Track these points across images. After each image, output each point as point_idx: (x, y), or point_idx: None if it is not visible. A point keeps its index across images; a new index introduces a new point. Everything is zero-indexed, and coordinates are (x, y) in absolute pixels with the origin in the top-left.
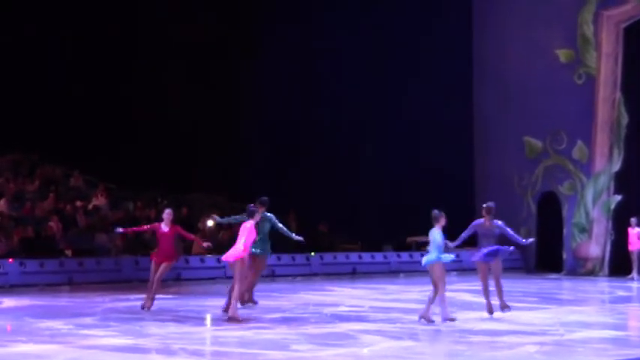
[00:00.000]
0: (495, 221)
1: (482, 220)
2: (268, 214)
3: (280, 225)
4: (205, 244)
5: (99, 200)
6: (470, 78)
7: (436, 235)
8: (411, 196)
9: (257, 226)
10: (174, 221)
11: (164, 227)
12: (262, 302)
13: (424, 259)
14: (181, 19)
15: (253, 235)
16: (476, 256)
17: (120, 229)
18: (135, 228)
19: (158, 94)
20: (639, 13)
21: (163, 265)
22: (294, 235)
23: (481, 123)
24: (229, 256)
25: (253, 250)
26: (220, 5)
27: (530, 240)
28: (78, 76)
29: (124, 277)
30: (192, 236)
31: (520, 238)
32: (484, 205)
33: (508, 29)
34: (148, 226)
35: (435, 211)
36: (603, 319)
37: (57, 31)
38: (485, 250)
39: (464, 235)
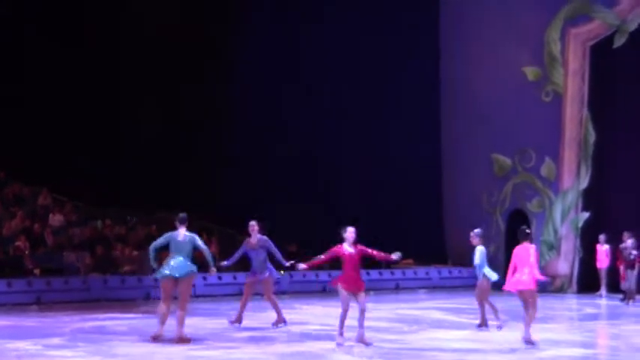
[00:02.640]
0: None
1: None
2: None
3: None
4: (395, 256)
5: (56, 218)
6: (438, 96)
7: None
8: (380, 215)
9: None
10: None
11: (347, 248)
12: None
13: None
14: (153, 34)
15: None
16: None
17: (302, 265)
18: (315, 261)
19: (126, 110)
20: (605, 31)
21: (361, 297)
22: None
23: (449, 141)
24: None
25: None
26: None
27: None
28: (45, 92)
29: (93, 297)
30: (377, 253)
31: None
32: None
33: (475, 47)
34: (328, 255)
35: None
36: (572, 336)
37: (24, 47)
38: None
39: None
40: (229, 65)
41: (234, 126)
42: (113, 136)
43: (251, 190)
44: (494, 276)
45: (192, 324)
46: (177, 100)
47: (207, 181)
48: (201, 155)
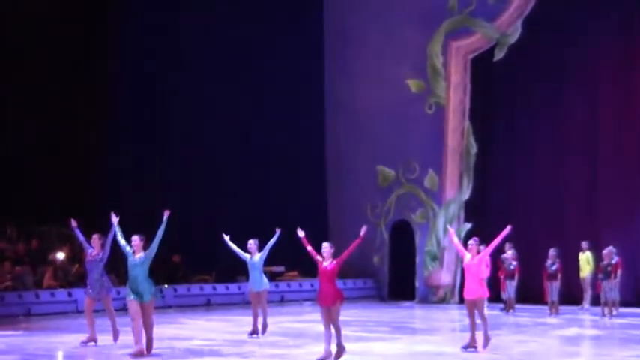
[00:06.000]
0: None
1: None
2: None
3: None
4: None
5: None
6: (322, 108)
7: None
8: (265, 226)
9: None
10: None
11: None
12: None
13: None
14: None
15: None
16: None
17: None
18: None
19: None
20: (485, 44)
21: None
22: None
23: (334, 152)
24: None
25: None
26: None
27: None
28: None
29: None
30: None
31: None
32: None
33: (360, 60)
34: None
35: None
36: (453, 349)
37: None
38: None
39: None
40: (109, 86)
41: (114, 135)
42: None
43: (134, 201)
44: None
45: (72, 340)
46: (55, 108)
47: (90, 196)
48: (84, 170)
